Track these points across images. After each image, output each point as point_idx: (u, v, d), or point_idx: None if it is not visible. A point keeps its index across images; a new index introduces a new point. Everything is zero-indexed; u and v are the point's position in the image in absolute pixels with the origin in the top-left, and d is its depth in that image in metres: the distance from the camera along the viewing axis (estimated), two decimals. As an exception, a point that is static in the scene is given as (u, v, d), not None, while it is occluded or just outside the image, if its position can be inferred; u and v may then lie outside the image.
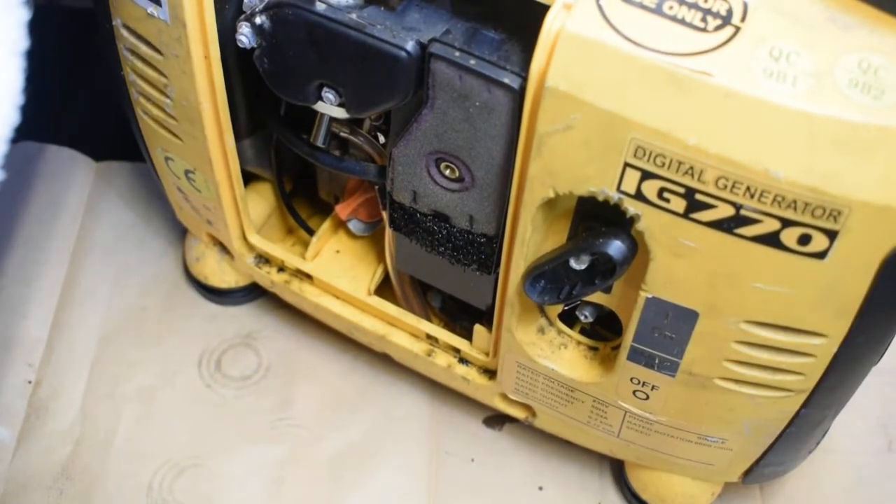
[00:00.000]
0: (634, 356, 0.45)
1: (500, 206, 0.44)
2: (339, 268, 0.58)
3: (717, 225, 0.37)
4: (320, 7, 0.42)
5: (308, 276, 0.58)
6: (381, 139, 0.49)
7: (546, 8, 0.37)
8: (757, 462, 0.50)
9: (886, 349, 0.43)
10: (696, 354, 0.43)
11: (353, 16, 0.42)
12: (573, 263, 0.42)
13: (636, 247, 0.40)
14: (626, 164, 0.37)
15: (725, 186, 0.36)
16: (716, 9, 0.36)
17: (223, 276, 0.63)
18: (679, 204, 0.37)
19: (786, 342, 0.41)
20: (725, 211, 0.37)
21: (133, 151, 0.58)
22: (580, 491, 0.59)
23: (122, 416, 0.60)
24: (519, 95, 0.39)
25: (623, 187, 0.38)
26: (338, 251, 0.59)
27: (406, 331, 0.56)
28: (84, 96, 0.74)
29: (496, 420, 0.61)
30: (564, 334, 0.50)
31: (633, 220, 0.39)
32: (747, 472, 0.52)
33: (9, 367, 0.61)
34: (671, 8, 0.36)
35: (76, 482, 0.57)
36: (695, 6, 0.36)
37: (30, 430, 0.59)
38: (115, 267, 0.66)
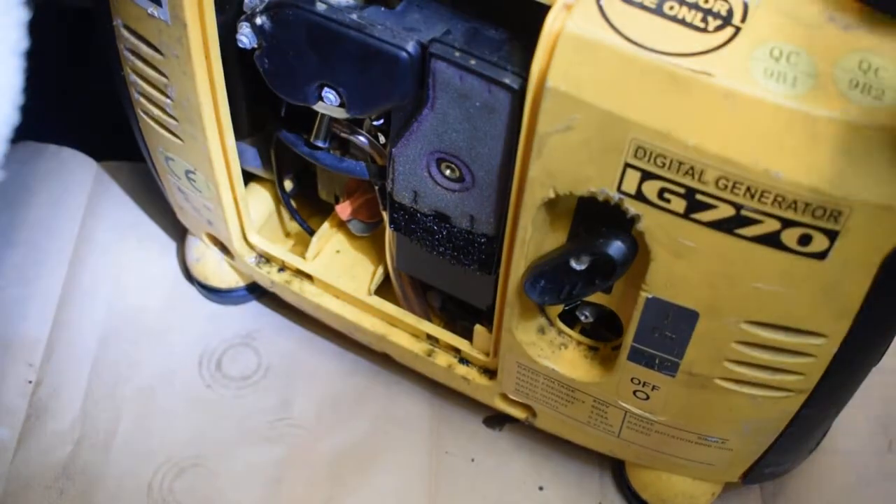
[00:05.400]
0: (635, 356, 0.45)
1: (500, 206, 0.44)
2: (339, 268, 0.58)
3: (718, 225, 0.37)
4: (320, 7, 0.42)
5: (308, 276, 0.58)
6: (382, 139, 0.49)
7: (547, 8, 0.37)
8: (757, 462, 0.50)
9: (886, 349, 0.43)
10: (697, 354, 0.43)
11: (354, 16, 0.42)
12: (573, 264, 0.42)
13: (636, 247, 0.40)
14: (627, 165, 0.37)
15: (726, 187, 0.36)
16: (716, 9, 0.36)
17: (223, 276, 0.63)
18: (679, 204, 0.37)
19: (786, 342, 0.41)
20: (726, 211, 0.37)
21: (133, 151, 0.58)
22: (580, 491, 0.59)
23: (122, 416, 0.60)
24: (519, 96, 0.39)
25: (623, 188, 0.38)
26: (338, 251, 0.59)
27: (406, 331, 0.56)
28: (84, 96, 0.74)
29: (496, 420, 0.61)
30: (565, 334, 0.50)
31: (633, 221, 0.39)
32: (747, 473, 0.52)
33: (9, 367, 0.61)
34: (671, 8, 0.36)
35: (76, 482, 0.57)
36: (695, 6, 0.36)
37: (30, 430, 0.59)
38: (115, 267, 0.66)
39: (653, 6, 0.36)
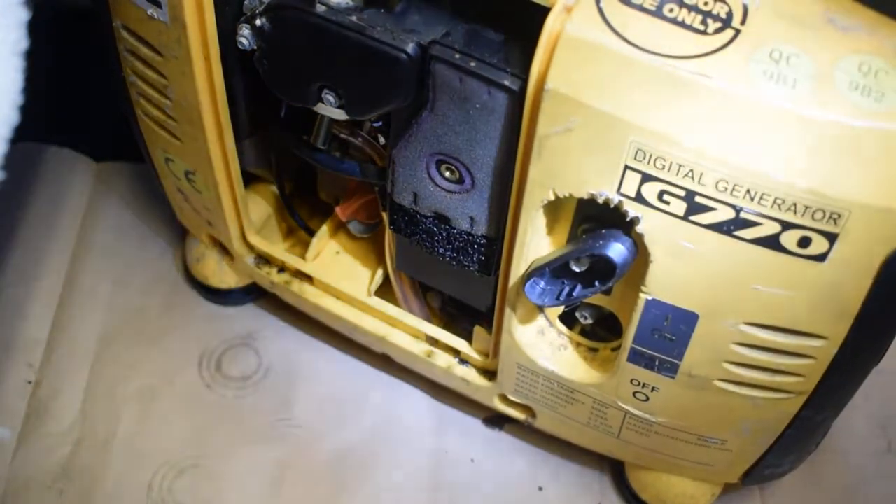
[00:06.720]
0: (634, 358, 0.45)
1: (500, 207, 0.44)
2: (339, 269, 0.58)
3: (718, 227, 0.37)
4: (320, 9, 0.42)
5: (308, 277, 0.58)
6: (382, 140, 0.49)
7: (546, 10, 0.37)
8: (757, 463, 0.50)
9: (886, 351, 0.43)
10: (696, 356, 0.43)
11: (353, 18, 0.42)
12: (573, 265, 0.42)
13: (636, 249, 0.40)
14: (627, 167, 0.37)
15: (725, 189, 0.36)
16: (716, 11, 0.36)
17: (223, 276, 0.63)
18: (679, 206, 0.37)
19: (785, 344, 0.41)
20: (725, 213, 0.37)
21: (133, 151, 0.58)
22: (580, 491, 0.59)
23: (122, 416, 0.60)
24: (519, 97, 0.39)
25: (623, 190, 0.38)
26: (338, 252, 0.59)
27: (406, 332, 0.56)
28: (84, 96, 0.74)
29: (496, 420, 0.61)
30: (564, 336, 0.50)
31: (633, 223, 0.39)
32: (747, 474, 0.52)
33: (9, 367, 0.61)
34: (671, 10, 0.36)
35: (76, 482, 0.57)
36: (695, 9, 0.36)
37: (30, 431, 0.59)
38: (115, 267, 0.66)
39: (652, 8, 0.36)
